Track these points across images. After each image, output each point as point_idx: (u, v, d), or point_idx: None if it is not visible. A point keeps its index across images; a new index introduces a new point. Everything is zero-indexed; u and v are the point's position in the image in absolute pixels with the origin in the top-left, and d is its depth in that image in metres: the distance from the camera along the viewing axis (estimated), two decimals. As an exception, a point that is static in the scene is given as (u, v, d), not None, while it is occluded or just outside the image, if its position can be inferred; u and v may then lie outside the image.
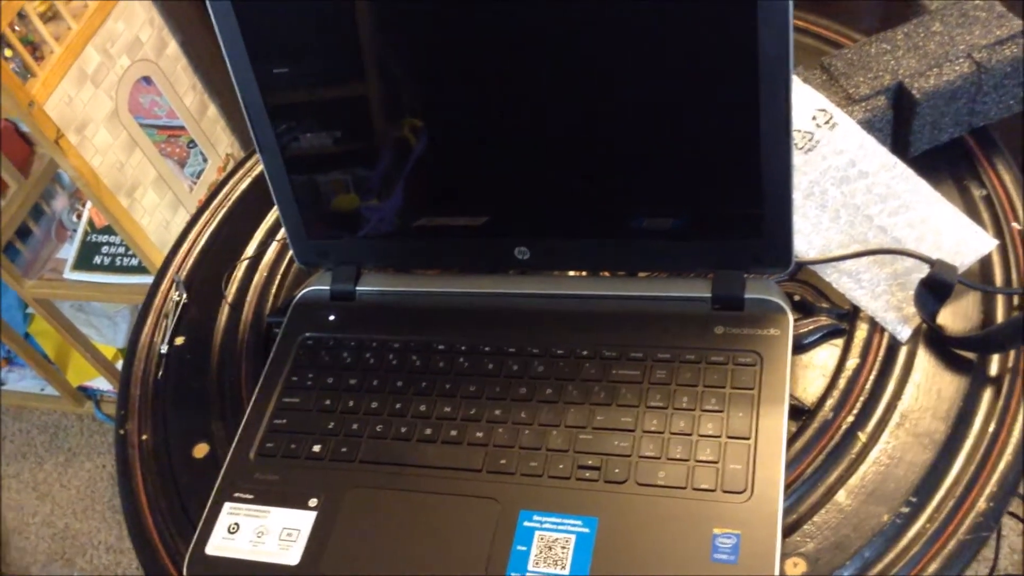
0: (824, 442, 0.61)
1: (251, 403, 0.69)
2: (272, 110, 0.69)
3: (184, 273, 0.85)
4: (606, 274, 0.72)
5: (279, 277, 0.82)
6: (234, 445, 0.67)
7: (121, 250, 1.46)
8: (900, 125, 0.71)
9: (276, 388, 0.70)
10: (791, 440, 0.61)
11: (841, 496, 0.58)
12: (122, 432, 0.74)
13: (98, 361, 1.69)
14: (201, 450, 0.71)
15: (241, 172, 0.92)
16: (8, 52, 1.13)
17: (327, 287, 0.74)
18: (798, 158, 0.69)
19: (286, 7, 0.65)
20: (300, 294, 0.75)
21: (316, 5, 0.64)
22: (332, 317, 0.73)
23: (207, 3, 0.65)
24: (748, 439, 0.59)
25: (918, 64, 0.69)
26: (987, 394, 0.60)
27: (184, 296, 0.82)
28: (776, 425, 0.59)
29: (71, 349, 1.70)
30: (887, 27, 0.73)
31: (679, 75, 0.60)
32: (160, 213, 1.35)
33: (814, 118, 0.69)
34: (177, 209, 1.38)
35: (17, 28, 1.15)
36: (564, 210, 0.68)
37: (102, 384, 1.79)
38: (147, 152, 1.33)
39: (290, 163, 0.70)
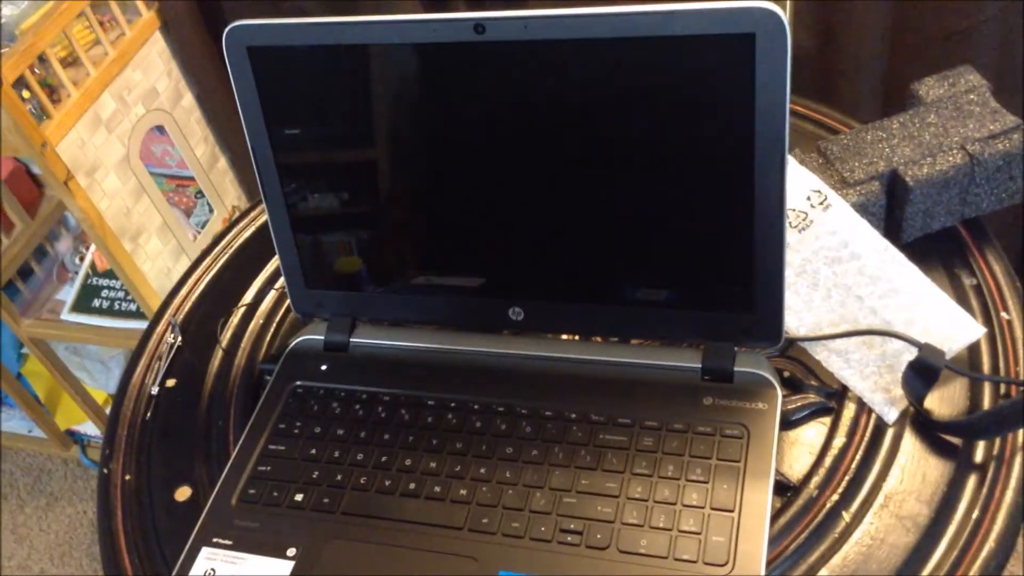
0: (808, 520, 0.60)
1: (236, 448, 0.69)
2: (280, 161, 0.70)
3: (181, 316, 0.85)
4: (598, 339, 0.72)
5: (275, 325, 0.82)
6: (216, 490, 0.67)
7: (121, 294, 1.46)
8: (893, 211, 0.72)
9: (263, 435, 0.70)
10: (775, 516, 0.61)
11: (823, 575, 0.58)
12: (106, 471, 0.74)
13: (88, 405, 1.69)
14: (183, 493, 0.71)
15: (245, 221, 0.93)
16: (26, 93, 1.15)
17: (321, 337, 0.75)
18: (791, 236, 0.70)
19: (302, 69, 0.67)
20: (294, 342, 0.75)
21: (329, 68, 0.66)
22: (324, 367, 0.73)
23: (225, 58, 0.67)
24: (732, 512, 0.59)
25: (912, 152, 0.71)
26: (972, 480, 0.60)
27: (179, 339, 0.82)
28: (761, 499, 0.59)
29: (62, 391, 1.70)
30: (885, 116, 0.75)
31: (676, 147, 0.62)
32: (162, 260, 1.36)
33: (808, 198, 0.70)
34: (179, 257, 1.39)
35: (37, 71, 1.18)
36: (560, 275, 0.69)
37: (90, 429, 1.78)
38: (154, 199, 1.34)
39: (293, 214, 0.72)
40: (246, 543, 0.63)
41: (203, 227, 1.47)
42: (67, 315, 1.47)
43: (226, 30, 0.66)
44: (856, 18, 1.03)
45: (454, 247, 0.71)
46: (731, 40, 0.57)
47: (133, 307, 1.44)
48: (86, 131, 1.21)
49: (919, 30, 1.03)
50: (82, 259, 1.54)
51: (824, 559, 0.58)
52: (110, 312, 1.46)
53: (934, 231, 0.73)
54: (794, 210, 0.70)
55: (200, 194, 1.47)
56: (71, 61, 1.23)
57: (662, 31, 0.58)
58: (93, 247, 1.53)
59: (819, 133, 0.85)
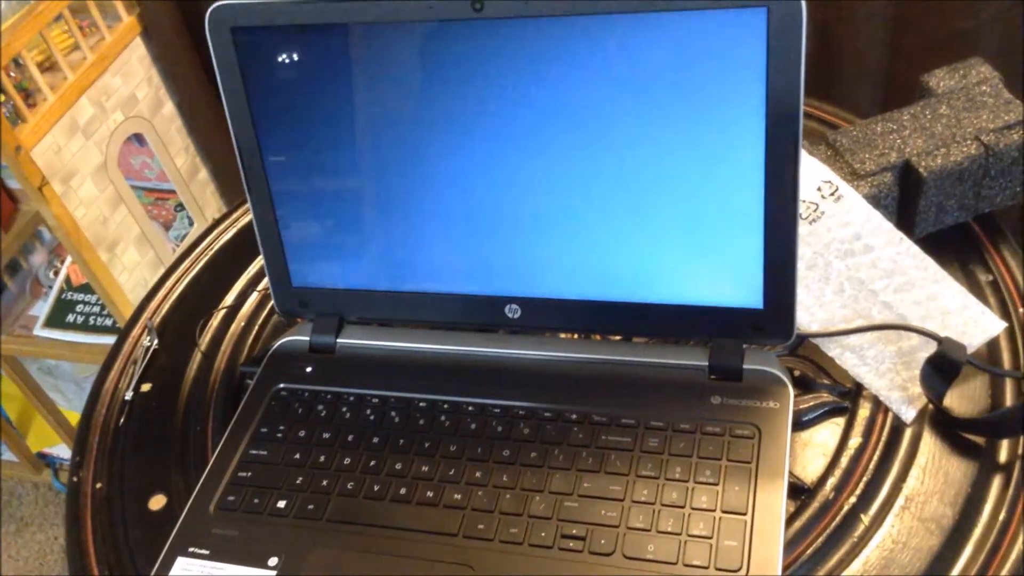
0: (825, 523, 0.57)
1: (215, 454, 0.65)
2: (266, 150, 0.67)
3: (157, 319, 0.81)
4: (598, 338, 0.69)
5: (257, 328, 0.78)
6: (193, 497, 0.62)
7: (96, 309, 1.42)
8: (905, 204, 0.69)
9: (243, 439, 0.66)
10: (789, 519, 0.57)
11: (842, 580, 0.54)
12: (75, 479, 0.69)
13: (61, 426, 1.63)
14: (158, 502, 0.66)
15: (226, 223, 0.90)
16: (1, 97, 1.12)
17: (306, 338, 0.71)
18: (802, 228, 0.67)
19: (289, 51, 0.63)
20: (277, 344, 0.72)
21: (319, 49, 0.63)
22: (309, 369, 0.70)
23: (208, 40, 0.64)
24: (744, 515, 0.55)
25: (925, 144, 0.68)
26: (997, 480, 0.57)
27: (155, 342, 0.78)
28: (775, 502, 0.55)
29: (34, 413, 1.64)
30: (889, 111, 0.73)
31: (683, 131, 0.59)
32: (140, 272, 1.32)
33: (819, 189, 0.68)
34: (157, 269, 1.35)
35: (13, 74, 1.14)
36: (560, 269, 0.65)
37: (63, 451, 1.72)
38: (132, 209, 1.30)
39: (279, 206, 0.68)
40: (224, 552, 0.59)
41: (182, 240, 1.44)
42: (40, 330, 1.43)
43: (209, 10, 0.63)
44: (856, 21, 1.02)
45: (448, 239, 0.68)
46: (742, 15, 0.55)
47: (108, 322, 1.40)
48: (62, 136, 1.17)
49: (920, 32, 1.01)
50: (56, 273, 1.49)
51: (843, 563, 0.55)
52: (85, 327, 1.41)
53: (947, 226, 0.70)
54: (804, 201, 0.67)
55: (180, 207, 1.44)
56: (48, 66, 1.20)
57: (669, 6, 0.55)
58: (68, 261, 1.49)
59: (822, 130, 0.82)
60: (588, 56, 0.58)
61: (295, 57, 0.64)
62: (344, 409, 0.66)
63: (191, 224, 1.44)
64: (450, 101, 0.62)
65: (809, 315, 0.65)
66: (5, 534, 1.69)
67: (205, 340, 0.78)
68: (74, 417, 1.67)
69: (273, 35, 0.63)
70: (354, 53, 0.63)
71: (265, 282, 0.81)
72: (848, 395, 0.63)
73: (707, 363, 0.63)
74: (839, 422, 0.62)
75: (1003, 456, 0.58)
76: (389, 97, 0.64)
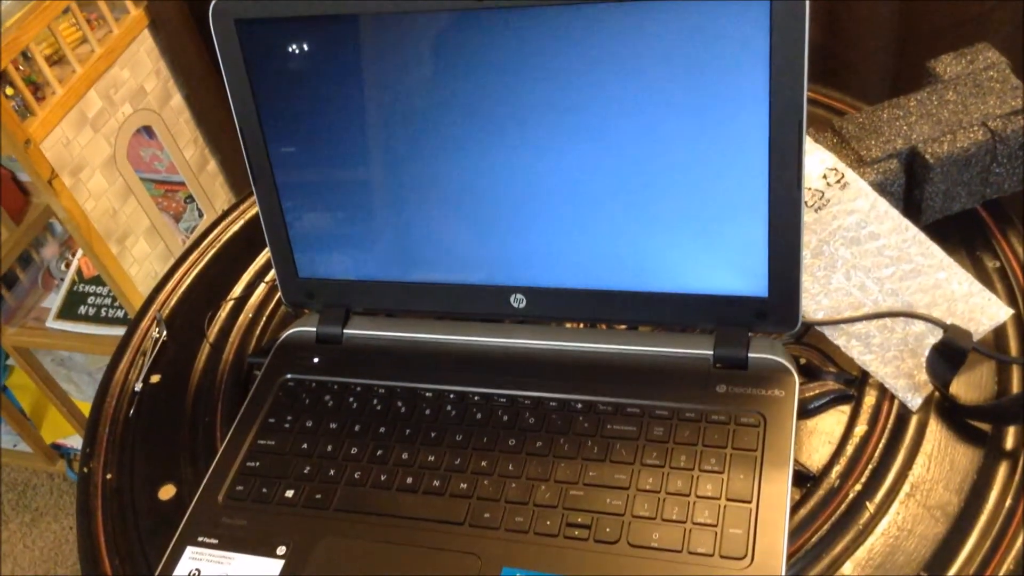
0: (830, 511, 0.57)
1: (224, 444, 0.65)
2: (271, 142, 0.67)
3: (166, 311, 0.82)
4: (603, 327, 0.69)
5: (264, 319, 0.79)
6: (202, 487, 0.63)
7: (107, 301, 1.43)
8: (912, 191, 0.69)
9: (252, 429, 0.66)
10: (795, 507, 0.57)
11: (847, 568, 0.54)
12: (86, 471, 0.70)
13: (75, 417, 1.65)
14: (167, 492, 0.67)
15: (234, 215, 0.90)
16: (10, 91, 1.12)
17: (313, 329, 0.72)
18: (807, 216, 0.67)
19: (293, 42, 0.64)
20: (285, 335, 0.72)
21: (322, 41, 0.63)
22: (316, 359, 0.70)
23: (212, 33, 0.64)
24: (749, 503, 0.55)
25: (931, 130, 0.68)
26: (1003, 467, 0.57)
27: (164, 334, 0.79)
28: (779, 490, 0.56)
29: (48, 404, 1.66)
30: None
31: (687, 119, 0.59)
32: (150, 263, 1.33)
33: (824, 176, 0.67)
34: (168, 261, 1.36)
35: (21, 68, 1.15)
36: (564, 259, 0.65)
37: (77, 442, 1.73)
38: (142, 201, 1.31)
39: (284, 198, 0.68)
40: (233, 542, 0.60)
41: (192, 232, 1.44)
42: (52, 322, 1.44)
43: (212, 3, 0.63)
44: (863, 6, 1.01)
45: (453, 229, 0.68)
46: (746, 4, 0.54)
47: (120, 314, 1.41)
48: (71, 129, 1.17)
49: (927, 17, 1.00)
50: (68, 265, 1.50)
51: (848, 551, 0.55)
52: (96, 319, 1.42)
53: (954, 213, 0.70)
54: (810, 189, 0.67)
55: (190, 199, 1.44)
56: (57, 60, 1.20)
57: (672, -6, 0.55)
58: (79, 253, 1.50)
59: (829, 117, 0.82)
60: (591, 45, 0.58)
61: (298, 49, 0.64)
62: (351, 399, 0.66)
63: (201, 215, 1.44)
64: (454, 91, 0.62)
65: (814, 303, 0.65)
66: (21, 524, 1.71)
67: (213, 331, 0.78)
68: (87, 408, 1.68)
69: (276, 27, 0.63)
70: (357, 44, 0.63)
71: (272, 273, 0.81)
72: (854, 383, 0.63)
73: (712, 352, 0.63)
74: (845, 410, 0.62)
75: (1009, 443, 0.58)
76: (392, 88, 0.64)
